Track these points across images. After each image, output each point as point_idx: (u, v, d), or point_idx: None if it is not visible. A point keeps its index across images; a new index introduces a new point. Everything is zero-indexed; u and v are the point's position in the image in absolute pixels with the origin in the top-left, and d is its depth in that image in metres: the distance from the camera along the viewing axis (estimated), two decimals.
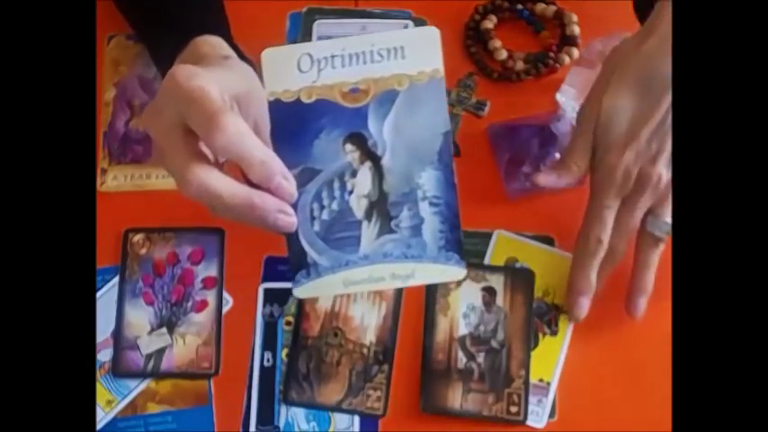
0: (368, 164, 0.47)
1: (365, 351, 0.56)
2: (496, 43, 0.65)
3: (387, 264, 0.48)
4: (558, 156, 0.59)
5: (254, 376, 0.56)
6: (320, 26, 0.64)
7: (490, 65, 0.65)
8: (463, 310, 0.57)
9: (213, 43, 0.52)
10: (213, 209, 0.46)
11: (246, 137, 0.43)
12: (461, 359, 0.56)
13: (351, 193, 0.47)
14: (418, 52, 0.47)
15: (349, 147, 0.47)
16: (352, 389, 0.56)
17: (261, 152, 0.44)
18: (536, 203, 0.60)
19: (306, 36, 0.64)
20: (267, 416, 0.56)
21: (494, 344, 0.56)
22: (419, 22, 0.64)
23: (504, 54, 0.64)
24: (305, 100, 0.47)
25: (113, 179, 0.61)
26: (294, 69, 0.46)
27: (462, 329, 0.57)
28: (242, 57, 0.53)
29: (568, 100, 0.61)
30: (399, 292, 0.57)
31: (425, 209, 0.48)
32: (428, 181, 0.47)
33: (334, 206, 0.47)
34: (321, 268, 0.47)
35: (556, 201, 0.60)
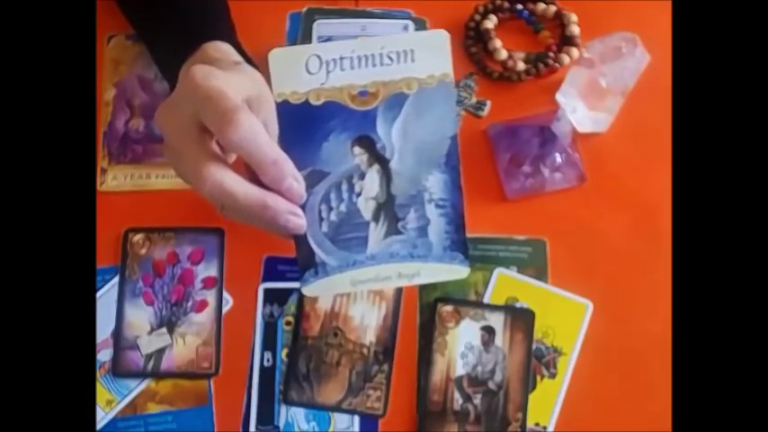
0: (376, 167, 0.48)
1: (365, 351, 0.56)
2: (496, 43, 0.64)
3: (393, 264, 0.48)
4: (558, 156, 0.59)
5: (254, 376, 0.56)
6: (320, 26, 0.64)
7: (490, 65, 0.65)
8: (461, 349, 0.56)
9: (223, 49, 0.52)
10: (223, 208, 0.46)
11: (260, 135, 0.44)
12: (458, 400, 0.55)
13: (359, 195, 0.48)
14: (428, 56, 0.47)
15: (357, 150, 0.48)
16: (352, 389, 0.56)
17: (273, 152, 0.44)
18: (535, 204, 0.60)
19: (306, 36, 0.64)
20: (267, 416, 0.56)
21: (491, 385, 0.55)
22: (419, 23, 0.64)
23: (504, 54, 0.64)
24: (313, 102, 0.47)
25: (113, 179, 0.61)
26: (302, 70, 0.47)
27: (460, 370, 0.55)
28: (249, 62, 0.53)
29: (568, 100, 0.61)
30: (399, 292, 0.57)
31: (432, 211, 0.48)
32: (435, 184, 0.48)
33: (342, 208, 0.48)
34: (329, 268, 0.48)
35: (555, 201, 0.60)
